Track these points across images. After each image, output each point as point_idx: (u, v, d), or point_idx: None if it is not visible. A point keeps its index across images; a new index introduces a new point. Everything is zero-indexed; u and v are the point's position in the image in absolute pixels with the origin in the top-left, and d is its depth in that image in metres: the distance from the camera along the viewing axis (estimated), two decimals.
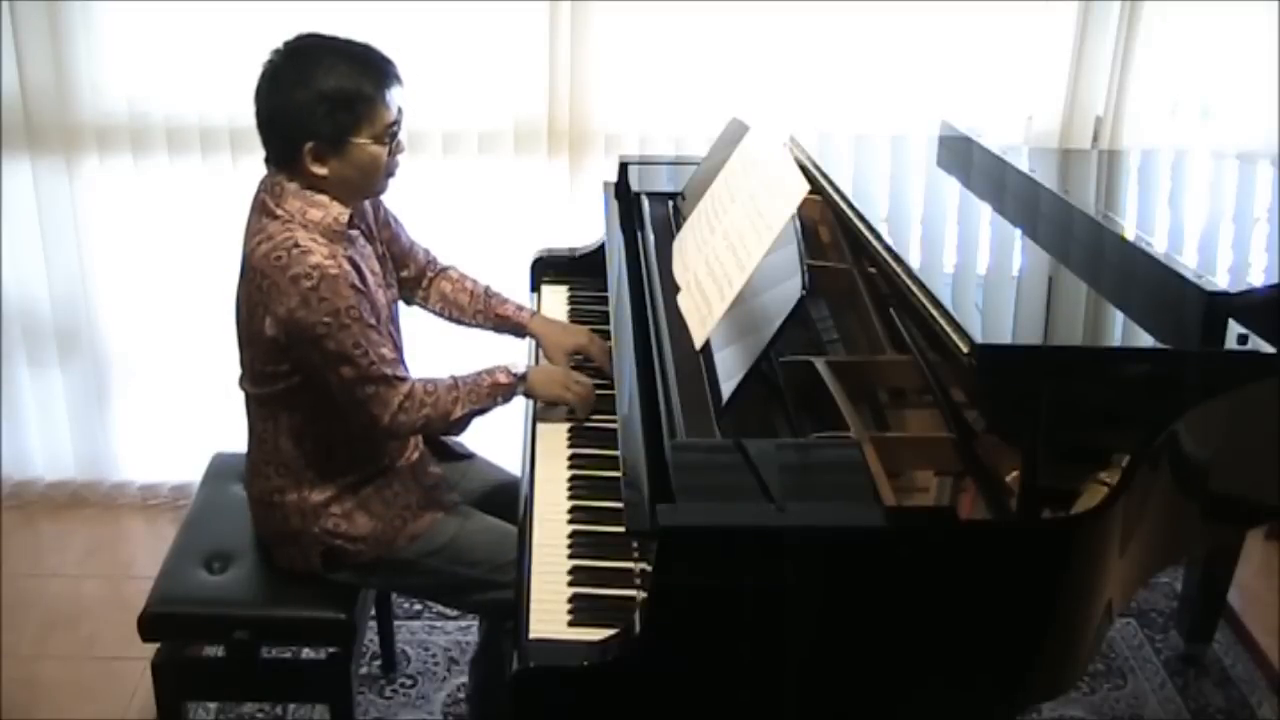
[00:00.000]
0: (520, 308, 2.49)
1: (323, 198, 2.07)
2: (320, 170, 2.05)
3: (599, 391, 2.25)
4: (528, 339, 2.48)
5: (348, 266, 2.02)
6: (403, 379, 2.08)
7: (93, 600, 3.04)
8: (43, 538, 3.28)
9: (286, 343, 2.03)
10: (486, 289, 2.48)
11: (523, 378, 2.19)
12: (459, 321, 2.48)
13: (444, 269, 2.46)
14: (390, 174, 2.13)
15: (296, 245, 1.99)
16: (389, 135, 2.08)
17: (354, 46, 2.08)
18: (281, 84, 2.03)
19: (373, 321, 2.05)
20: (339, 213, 2.07)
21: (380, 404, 2.06)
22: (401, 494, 2.19)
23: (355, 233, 2.12)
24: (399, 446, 2.23)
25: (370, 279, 2.11)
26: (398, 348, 2.26)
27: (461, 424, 2.17)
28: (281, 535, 2.20)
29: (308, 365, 2.06)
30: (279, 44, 2.09)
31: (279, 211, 2.05)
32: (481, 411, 2.18)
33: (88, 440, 3.36)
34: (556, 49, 3.04)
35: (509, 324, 2.47)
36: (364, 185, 2.12)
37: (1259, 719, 2.75)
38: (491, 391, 2.17)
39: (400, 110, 2.08)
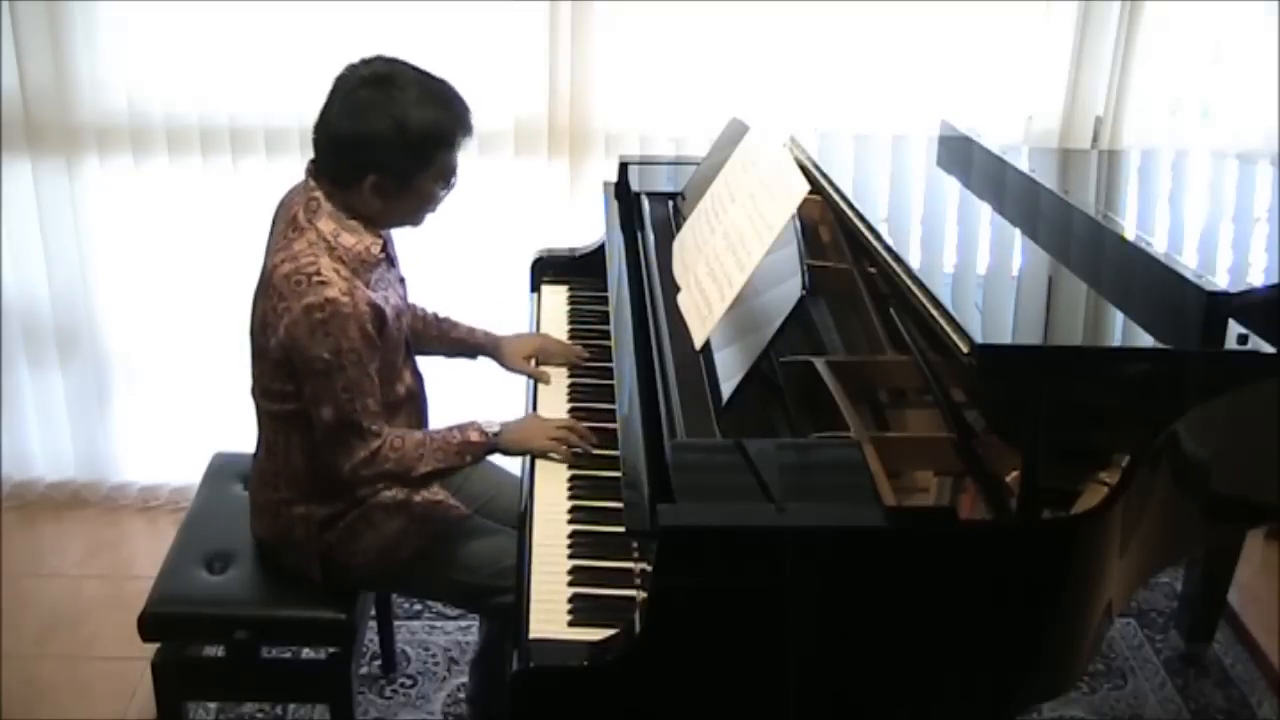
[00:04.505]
0: (472, 330, 2.47)
1: (357, 223, 2.04)
2: (375, 203, 2.03)
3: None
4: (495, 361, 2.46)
5: (364, 306, 1.99)
6: (376, 434, 2.05)
7: (93, 600, 3.04)
8: (43, 538, 3.28)
9: (288, 367, 2.03)
10: (436, 314, 2.45)
11: (497, 434, 2.13)
12: (415, 350, 2.39)
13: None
14: (433, 210, 2.14)
15: (318, 273, 1.96)
16: (449, 179, 2.09)
17: (438, 84, 2.05)
18: (362, 110, 1.99)
19: (370, 370, 2.02)
20: (372, 242, 2.05)
21: (346, 452, 2.04)
22: (406, 509, 2.17)
23: (382, 255, 2.09)
24: None
25: (390, 312, 2.08)
26: (414, 369, 2.25)
27: (426, 479, 2.13)
28: (283, 542, 2.20)
29: (303, 393, 2.04)
30: (358, 61, 2.05)
31: (309, 230, 2.01)
32: (450, 469, 2.13)
33: (88, 441, 3.35)
34: (556, 49, 3.04)
35: (464, 345, 2.46)
36: (409, 219, 2.13)
37: (1259, 719, 2.75)
38: (461, 449, 2.11)
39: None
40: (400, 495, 2.16)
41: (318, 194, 2.04)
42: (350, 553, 2.16)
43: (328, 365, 1.97)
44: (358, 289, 2.00)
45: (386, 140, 1.98)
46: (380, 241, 2.07)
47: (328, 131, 2.04)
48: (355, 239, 2.03)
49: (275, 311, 2.00)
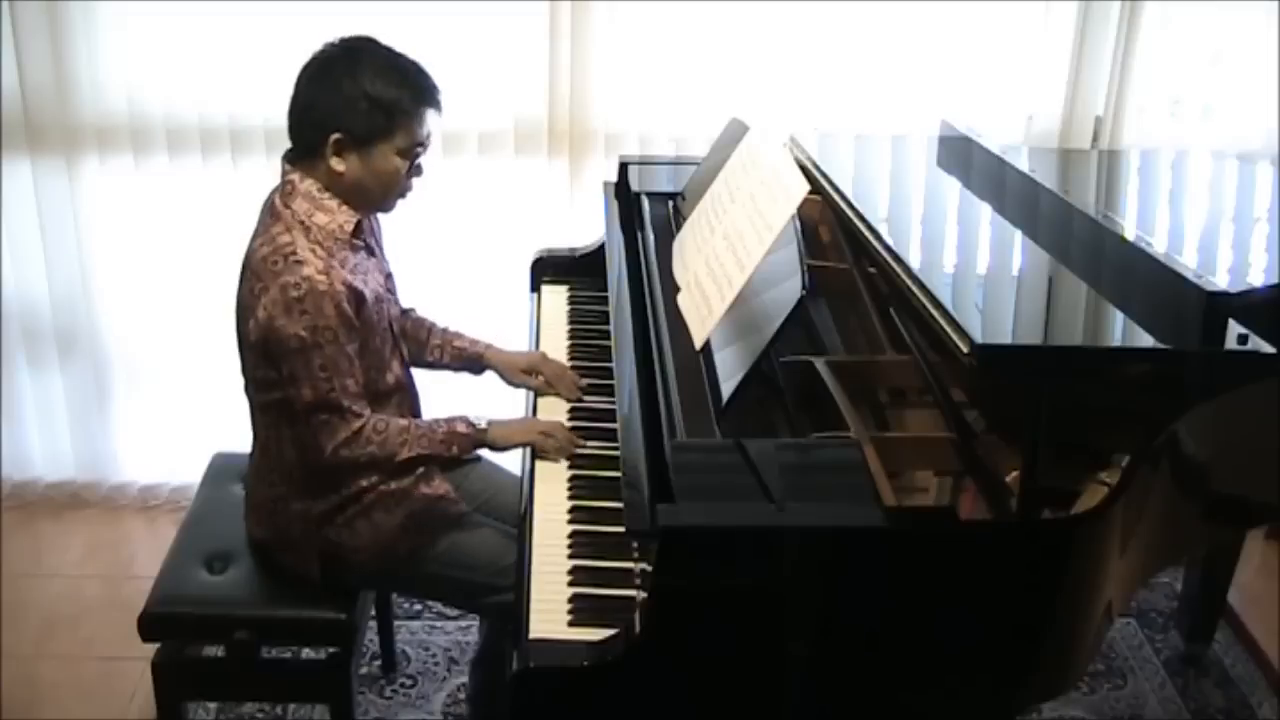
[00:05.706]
0: (475, 341, 2.45)
1: (332, 202, 2.06)
2: (338, 166, 2.05)
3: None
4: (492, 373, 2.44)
5: (340, 286, 2.00)
6: (358, 414, 2.05)
7: (93, 600, 3.04)
8: (43, 538, 3.28)
9: (265, 350, 2.03)
10: (445, 328, 2.45)
11: (485, 429, 2.14)
12: (418, 361, 2.40)
13: (406, 309, 2.40)
14: (403, 194, 2.14)
15: (294, 253, 1.99)
16: (413, 154, 2.09)
17: (407, 60, 2.09)
18: (329, 73, 2.05)
19: (349, 350, 2.03)
20: (345, 220, 2.06)
21: (328, 434, 2.04)
22: (405, 503, 2.17)
23: (359, 243, 2.11)
24: None
25: (369, 295, 2.08)
26: (403, 360, 2.25)
27: (410, 466, 2.12)
28: (282, 541, 2.20)
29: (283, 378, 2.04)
30: (334, 38, 2.10)
31: (284, 212, 2.04)
32: (434, 458, 2.13)
33: (88, 440, 3.35)
34: (556, 49, 3.04)
35: (465, 356, 2.44)
36: (376, 195, 2.12)
37: (1259, 719, 2.75)
38: (447, 439, 2.12)
39: (429, 135, 2.09)
40: (399, 490, 2.16)
41: (292, 177, 2.07)
42: (349, 549, 2.16)
43: (303, 343, 1.98)
44: (334, 269, 2.01)
45: (349, 98, 2.02)
46: (354, 219, 2.08)
47: (297, 99, 2.08)
48: (328, 217, 2.05)
49: (253, 293, 2.02)
